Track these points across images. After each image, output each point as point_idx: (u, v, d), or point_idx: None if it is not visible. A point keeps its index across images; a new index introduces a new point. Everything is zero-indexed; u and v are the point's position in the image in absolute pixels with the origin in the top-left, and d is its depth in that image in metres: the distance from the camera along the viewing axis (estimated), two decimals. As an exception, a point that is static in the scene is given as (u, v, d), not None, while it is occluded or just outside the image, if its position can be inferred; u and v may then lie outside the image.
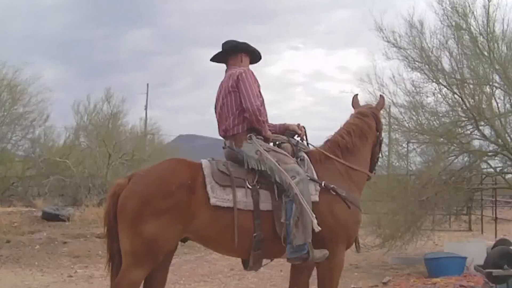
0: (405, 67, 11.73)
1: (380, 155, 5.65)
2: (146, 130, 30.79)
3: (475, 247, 10.44)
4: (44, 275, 10.59)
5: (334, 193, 4.79)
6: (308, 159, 4.99)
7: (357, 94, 5.86)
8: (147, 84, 50.02)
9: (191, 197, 4.49)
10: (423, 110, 11.46)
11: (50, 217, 16.79)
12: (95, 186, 22.21)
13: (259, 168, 4.72)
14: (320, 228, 4.54)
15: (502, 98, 11.23)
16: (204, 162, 4.76)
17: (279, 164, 4.67)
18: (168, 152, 29.66)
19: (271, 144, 5.06)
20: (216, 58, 5.37)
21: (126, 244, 4.47)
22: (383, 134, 5.60)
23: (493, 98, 11.13)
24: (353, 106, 5.71)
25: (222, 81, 5.20)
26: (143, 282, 4.71)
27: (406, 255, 11.87)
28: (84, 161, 24.21)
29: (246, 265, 4.95)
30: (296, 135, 5.28)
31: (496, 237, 13.80)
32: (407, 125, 11.71)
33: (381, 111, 5.74)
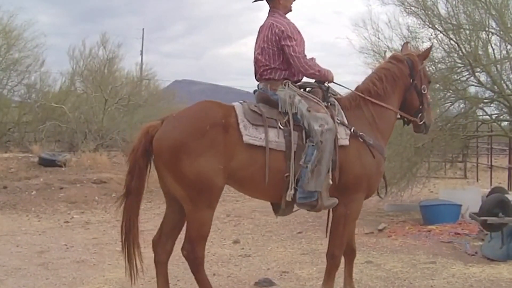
0: (401, 12, 11.64)
1: (421, 105, 5.32)
2: (142, 75, 30.59)
3: (470, 195, 10.52)
4: (41, 221, 10.68)
5: (361, 141, 4.82)
6: (338, 104, 4.99)
7: (407, 42, 5.78)
8: (143, 29, 49.34)
9: (225, 136, 4.50)
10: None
11: (46, 163, 16.77)
12: (91, 132, 22.17)
13: (291, 112, 4.72)
14: (331, 183, 4.61)
15: (498, 44, 11.18)
16: (236, 104, 4.79)
17: (309, 111, 4.66)
18: (165, 97, 29.59)
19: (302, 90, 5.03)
20: None
21: (178, 189, 4.54)
22: (424, 85, 5.31)
23: (489, 44, 11.07)
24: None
25: (262, 25, 5.12)
26: (161, 223, 4.97)
27: (401, 202, 11.93)
28: (80, 106, 24.02)
29: (276, 209, 4.98)
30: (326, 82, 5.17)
31: (491, 184, 13.88)
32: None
33: (423, 59, 5.45)
